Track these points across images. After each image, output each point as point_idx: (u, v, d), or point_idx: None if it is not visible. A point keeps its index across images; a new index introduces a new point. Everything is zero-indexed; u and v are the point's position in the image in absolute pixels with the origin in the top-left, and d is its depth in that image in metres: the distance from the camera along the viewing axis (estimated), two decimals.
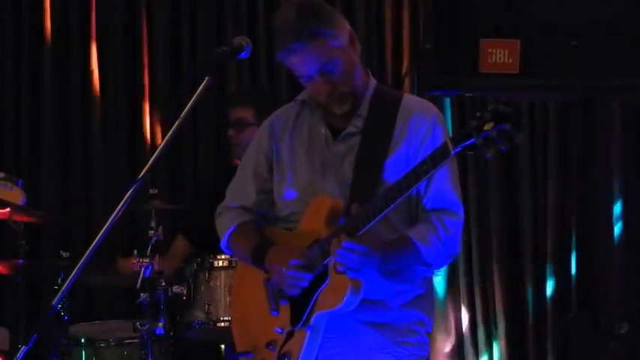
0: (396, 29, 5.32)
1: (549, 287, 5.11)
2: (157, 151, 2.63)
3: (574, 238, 5.05)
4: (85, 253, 2.52)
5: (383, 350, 2.83)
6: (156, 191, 4.31)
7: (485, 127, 2.35)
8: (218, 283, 4.16)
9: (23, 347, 2.52)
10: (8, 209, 4.17)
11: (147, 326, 4.07)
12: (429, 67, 4.21)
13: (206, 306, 4.13)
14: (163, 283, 4.13)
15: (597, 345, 4.69)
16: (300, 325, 2.77)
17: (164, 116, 5.39)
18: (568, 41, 4.05)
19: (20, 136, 5.36)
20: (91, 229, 5.26)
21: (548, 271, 5.11)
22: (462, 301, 5.25)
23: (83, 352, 4.28)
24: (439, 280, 5.16)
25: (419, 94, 3.11)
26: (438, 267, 2.86)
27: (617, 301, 4.76)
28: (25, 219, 4.34)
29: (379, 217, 2.59)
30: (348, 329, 2.81)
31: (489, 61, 4.08)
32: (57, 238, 5.22)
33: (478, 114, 2.39)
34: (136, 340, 4.20)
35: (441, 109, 2.96)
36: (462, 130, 2.45)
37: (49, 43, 5.37)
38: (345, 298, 2.66)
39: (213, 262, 4.18)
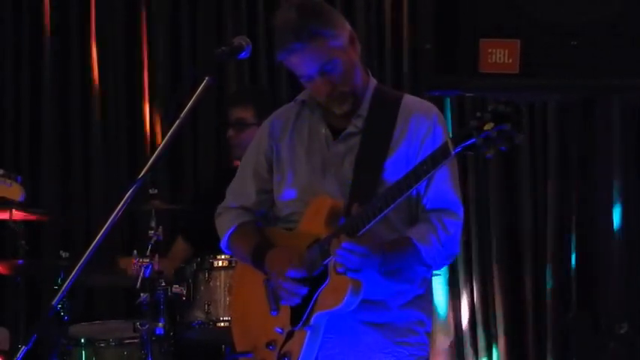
0: (396, 29, 5.32)
1: (549, 287, 5.11)
2: (157, 151, 2.63)
3: (574, 238, 5.05)
4: (85, 253, 2.52)
5: (383, 350, 2.83)
6: (156, 191, 4.31)
7: (486, 127, 2.35)
8: (218, 283, 4.16)
9: (23, 347, 2.52)
10: (8, 212, 4.18)
11: (147, 326, 4.08)
12: (429, 67, 4.21)
13: (206, 306, 4.13)
14: (163, 283, 4.14)
15: (597, 345, 4.69)
16: (300, 325, 2.77)
17: (164, 116, 5.40)
18: (568, 41, 4.05)
19: (20, 136, 5.37)
20: (91, 229, 5.26)
21: (548, 271, 5.11)
22: (461, 301, 5.25)
23: (83, 352, 4.28)
24: (439, 281, 5.16)
25: (419, 94, 3.10)
26: (438, 267, 2.86)
27: (617, 301, 4.76)
28: (24, 216, 4.33)
29: (379, 217, 2.59)
30: (348, 329, 2.81)
31: (489, 61, 4.07)
32: (57, 238, 5.23)
33: (478, 114, 2.39)
34: (136, 340, 4.20)
35: (441, 109, 2.95)
36: (462, 130, 2.44)
37: (49, 44, 5.37)
38: (345, 299, 2.66)
39: (212, 262, 4.18)
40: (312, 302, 2.74)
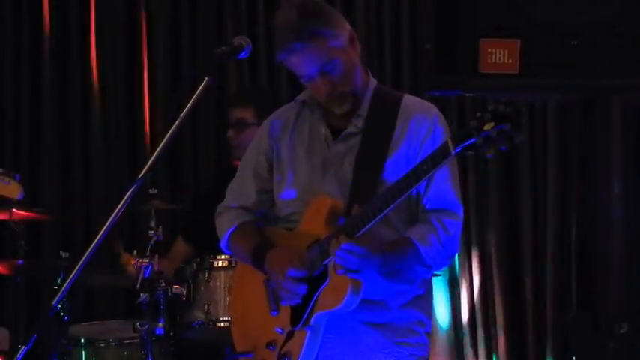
0: (396, 29, 5.32)
1: (549, 287, 5.10)
2: (157, 151, 2.63)
3: (574, 238, 5.05)
4: (85, 253, 2.52)
5: (383, 350, 2.83)
6: (156, 191, 4.31)
7: (486, 127, 2.35)
8: (218, 283, 4.16)
9: (23, 347, 2.52)
10: (8, 212, 4.18)
11: (147, 326, 4.08)
12: (429, 67, 4.21)
13: (206, 306, 4.13)
14: (163, 283, 4.14)
15: (597, 345, 4.68)
16: (300, 325, 2.77)
17: (164, 116, 5.40)
18: (568, 41, 4.05)
19: (20, 136, 5.37)
20: (91, 229, 5.26)
21: (548, 271, 5.11)
22: (461, 301, 5.25)
23: (83, 352, 4.29)
24: (439, 281, 5.16)
25: (419, 94, 3.10)
26: (438, 268, 2.86)
27: (617, 301, 4.75)
28: (24, 214, 4.33)
29: (379, 217, 2.59)
30: (348, 329, 2.81)
31: (489, 61, 4.07)
32: (57, 238, 5.23)
33: (478, 114, 2.39)
34: (135, 340, 4.21)
35: (441, 109, 2.94)
36: (462, 130, 2.44)
37: (49, 43, 5.37)
38: (345, 299, 2.66)
39: (212, 262, 4.18)
40: (312, 302, 2.74)
